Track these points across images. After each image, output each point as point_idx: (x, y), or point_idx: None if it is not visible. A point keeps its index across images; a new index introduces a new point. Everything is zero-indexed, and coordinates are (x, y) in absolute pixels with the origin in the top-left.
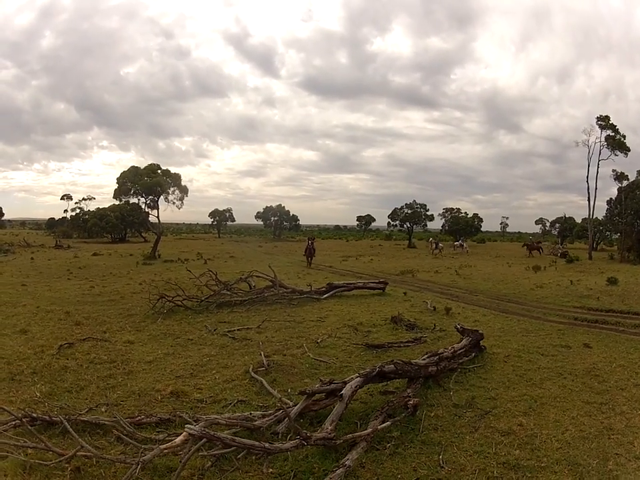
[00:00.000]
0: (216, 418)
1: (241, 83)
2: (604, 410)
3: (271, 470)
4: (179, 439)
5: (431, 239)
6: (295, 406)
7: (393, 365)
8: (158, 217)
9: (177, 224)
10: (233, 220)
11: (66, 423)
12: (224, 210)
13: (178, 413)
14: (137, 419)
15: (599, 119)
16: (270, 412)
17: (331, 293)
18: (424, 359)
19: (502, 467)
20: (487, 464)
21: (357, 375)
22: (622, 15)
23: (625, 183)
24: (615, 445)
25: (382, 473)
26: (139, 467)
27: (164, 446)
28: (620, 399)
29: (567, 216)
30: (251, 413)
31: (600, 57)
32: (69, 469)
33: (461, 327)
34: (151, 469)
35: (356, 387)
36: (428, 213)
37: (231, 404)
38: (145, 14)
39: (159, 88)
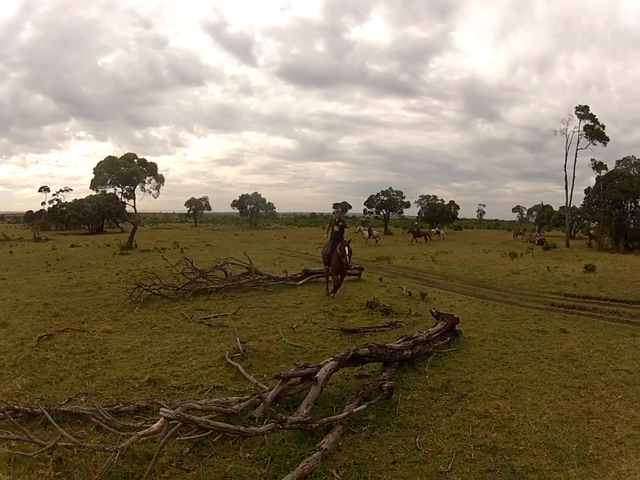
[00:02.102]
0: (192, 403)
1: (218, 72)
2: (582, 394)
3: (248, 455)
4: (155, 425)
5: (359, 227)
6: (271, 390)
7: (367, 349)
8: (134, 206)
9: (154, 214)
10: (210, 209)
11: (47, 414)
12: (200, 199)
13: (155, 400)
14: (116, 407)
15: (578, 108)
16: (246, 397)
17: (307, 279)
18: (399, 343)
19: (479, 449)
20: (464, 446)
21: (332, 358)
22: (606, 5)
23: (603, 172)
24: (595, 429)
25: (359, 456)
26: (117, 454)
27: (141, 432)
28: (599, 383)
29: (544, 204)
30: (227, 399)
31: (581, 48)
32: (51, 459)
33: (436, 312)
34: (130, 457)
35: (330, 370)
36: (404, 200)
37: (207, 390)
38: (124, 4)
39: (136, 78)
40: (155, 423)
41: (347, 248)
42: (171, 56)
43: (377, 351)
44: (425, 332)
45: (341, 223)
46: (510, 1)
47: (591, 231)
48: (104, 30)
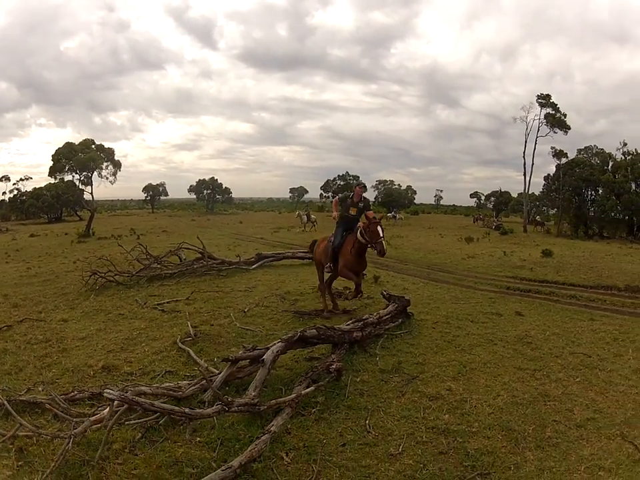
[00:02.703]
0: (143, 388)
1: (179, 56)
2: (538, 376)
3: (198, 439)
4: (106, 410)
5: (298, 211)
6: (220, 374)
7: (314, 330)
8: (92, 193)
9: (112, 200)
10: (167, 194)
11: (6, 404)
12: (157, 184)
13: (108, 386)
14: (71, 395)
15: (540, 97)
16: (196, 381)
17: (260, 263)
18: (348, 325)
19: (431, 431)
20: (415, 428)
21: (279, 340)
22: None
23: (563, 160)
24: (552, 412)
25: (308, 438)
26: (71, 440)
27: (93, 418)
28: (555, 366)
29: (502, 190)
30: (178, 383)
31: (548, 38)
32: (13, 449)
33: (387, 294)
34: (86, 444)
35: (277, 352)
36: None
37: (159, 375)
38: None
39: (98, 62)
40: (106, 408)
41: (380, 228)
42: (133, 40)
43: (325, 333)
44: (375, 314)
45: (361, 204)
46: None
47: (537, 217)
48: (68, 14)
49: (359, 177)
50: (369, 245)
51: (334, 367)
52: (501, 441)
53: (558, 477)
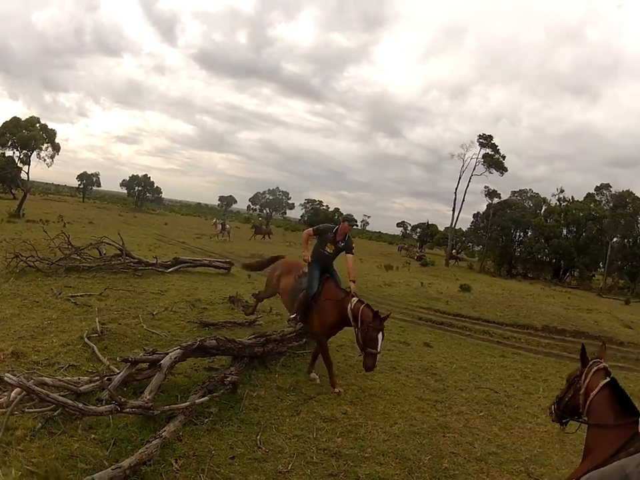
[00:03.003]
0: (45, 379)
1: (138, 46)
2: (439, 408)
3: (93, 436)
4: (12, 395)
5: (215, 219)
6: (119, 374)
7: (214, 341)
8: (28, 173)
9: (46, 184)
10: (99, 185)
11: None
12: (92, 174)
13: (15, 372)
14: None
15: (481, 137)
16: (96, 378)
17: (176, 267)
18: (250, 339)
19: (322, 452)
20: (307, 448)
21: (178, 346)
22: (540, 48)
23: (495, 200)
24: (452, 444)
25: (199, 447)
26: None
27: None
28: (459, 399)
29: (430, 223)
30: (79, 378)
31: (502, 82)
32: None
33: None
34: None
35: (175, 358)
36: (289, 202)
37: (63, 368)
38: None
39: (62, 39)
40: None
41: (381, 336)
42: (99, 22)
43: (225, 345)
44: (279, 331)
45: (342, 244)
46: (444, 27)
47: (453, 251)
48: None
49: (288, 193)
50: (357, 341)
51: (229, 379)
52: (394, 468)
53: None
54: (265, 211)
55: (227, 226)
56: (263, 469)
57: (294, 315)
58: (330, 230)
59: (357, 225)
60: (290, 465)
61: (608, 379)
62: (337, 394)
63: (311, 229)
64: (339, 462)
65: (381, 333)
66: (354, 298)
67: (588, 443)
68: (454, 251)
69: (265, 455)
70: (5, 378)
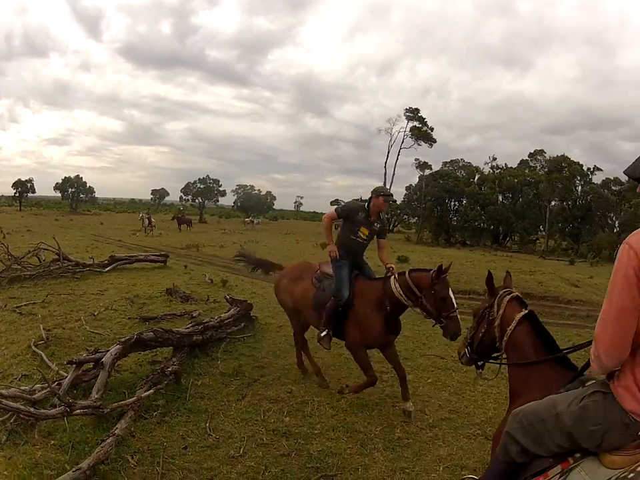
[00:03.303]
0: (1, 391)
1: (64, 45)
2: (385, 378)
3: (52, 442)
4: None
5: (141, 214)
6: (67, 377)
7: (152, 333)
8: None
9: None
10: (34, 191)
11: None
12: (26, 180)
13: None
14: None
15: (408, 110)
16: (47, 385)
17: (113, 265)
18: (187, 328)
19: (272, 433)
20: (256, 431)
21: (117, 342)
22: (468, 21)
23: (427, 172)
24: (402, 413)
25: (152, 441)
26: None
27: None
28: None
29: (362, 198)
30: (32, 386)
31: (430, 56)
32: None
33: (230, 298)
34: None
35: (116, 354)
36: (221, 189)
37: (16, 379)
38: None
39: None
40: None
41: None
42: (28, 24)
43: (163, 336)
44: (217, 317)
45: (378, 225)
46: (368, 4)
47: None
48: None
49: (219, 181)
50: (418, 310)
51: (170, 369)
52: (345, 442)
53: (413, 477)
54: (197, 201)
55: (153, 220)
56: (216, 456)
57: (324, 332)
58: (361, 209)
59: (395, 201)
60: (242, 449)
61: (525, 311)
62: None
63: (333, 210)
64: (289, 441)
65: (449, 287)
66: (392, 277)
67: (513, 384)
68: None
69: (216, 441)
70: None
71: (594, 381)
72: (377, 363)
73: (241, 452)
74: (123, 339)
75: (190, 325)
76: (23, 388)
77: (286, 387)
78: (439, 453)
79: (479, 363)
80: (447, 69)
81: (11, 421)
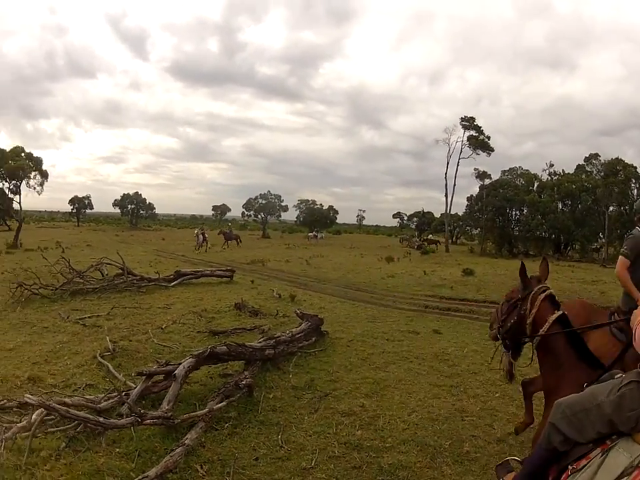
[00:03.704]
0: (65, 399)
1: (112, 65)
2: (455, 393)
3: (117, 450)
4: (33, 417)
5: (197, 229)
6: (136, 388)
7: (225, 347)
8: (20, 203)
9: (39, 211)
10: (92, 208)
11: None
12: (83, 197)
13: (29, 394)
14: (1, 403)
15: (463, 119)
16: (114, 394)
17: (179, 280)
18: (260, 342)
19: (343, 446)
20: (328, 443)
21: (190, 355)
22: (511, 25)
23: (487, 181)
24: (471, 427)
25: (222, 452)
26: (2, 444)
27: (20, 424)
28: (473, 382)
29: (425, 211)
30: (97, 396)
31: (477, 63)
32: None
33: (300, 312)
34: (17, 450)
35: (189, 367)
36: (282, 204)
37: (80, 388)
38: None
39: (35, 66)
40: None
41: None
42: (70, 45)
43: (236, 350)
44: (288, 332)
45: None
46: (411, 14)
47: (430, 236)
48: (10, 13)
49: (280, 196)
50: None
51: (244, 382)
52: (416, 455)
53: None
54: (259, 216)
55: (206, 235)
56: (287, 467)
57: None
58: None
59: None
60: (313, 461)
61: (559, 313)
62: None
63: (622, 254)
64: (360, 454)
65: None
66: None
67: (547, 383)
68: (430, 235)
69: (287, 453)
70: (26, 398)
71: (621, 374)
72: (447, 377)
73: (313, 464)
74: (196, 352)
75: (262, 339)
76: (87, 397)
77: (358, 401)
78: None
79: (507, 344)
80: (496, 75)
81: (77, 430)
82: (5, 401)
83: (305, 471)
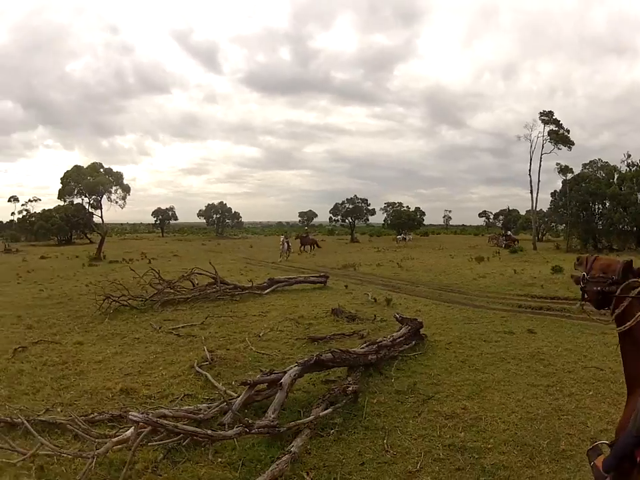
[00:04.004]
0: (163, 411)
1: (184, 79)
2: (551, 392)
3: (220, 459)
4: (129, 432)
5: (282, 237)
6: (239, 397)
7: (330, 354)
8: (101, 217)
9: (121, 224)
10: (176, 218)
11: (27, 423)
12: (167, 208)
13: (128, 408)
14: (91, 416)
15: (542, 114)
16: (215, 404)
17: (272, 288)
18: (362, 348)
19: (447, 449)
20: (432, 446)
21: (296, 363)
22: (573, 13)
23: (569, 175)
24: (566, 426)
25: (328, 458)
26: (94, 460)
27: (115, 439)
28: (568, 381)
29: (510, 208)
30: (197, 406)
31: (547, 54)
32: (34, 467)
33: (400, 316)
34: (107, 464)
35: (295, 375)
36: (369, 208)
37: (178, 398)
38: (93, 9)
39: (104, 84)
40: (128, 430)
41: None
42: (138, 62)
43: (341, 356)
44: (389, 336)
45: None
46: (476, 9)
47: (509, 233)
48: (72, 35)
49: (367, 200)
50: None
51: (350, 389)
52: (516, 455)
53: None
54: (347, 220)
55: (290, 244)
56: (394, 471)
57: None
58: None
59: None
60: (419, 464)
61: None
62: None
63: None
64: (464, 456)
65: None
66: None
67: (629, 372)
68: (508, 232)
69: (393, 457)
70: (130, 416)
71: None
72: (543, 377)
73: (418, 467)
74: (301, 360)
75: (364, 344)
76: (185, 407)
77: (460, 403)
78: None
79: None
80: (566, 65)
81: (184, 442)
82: (95, 414)
83: (411, 474)
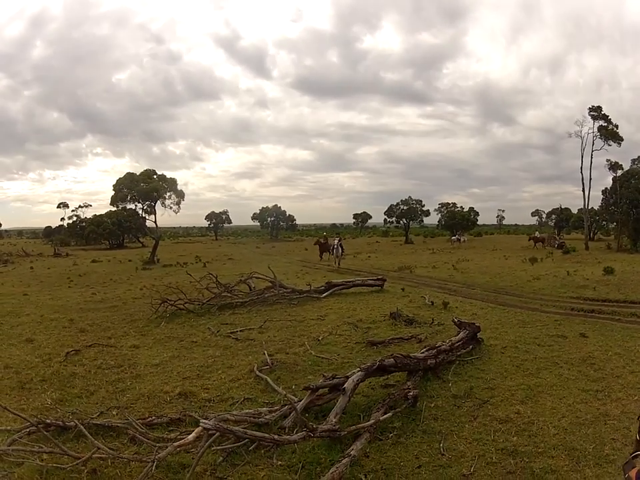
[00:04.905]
0: (226, 415)
1: (234, 85)
2: (600, 397)
3: (280, 462)
4: (191, 436)
5: (336, 239)
6: (300, 401)
7: (392, 359)
8: (155, 221)
9: (174, 228)
10: (230, 222)
11: (81, 426)
12: (220, 212)
13: (187, 412)
14: (148, 419)
15: (591, 109)
16: (276, 408)
17: (330, 291)
18: (422, 353)
19: (500, 452)
20: (486, 450)
21: (359, 369)
22: (612, 4)
23: (619, 172)
24: (611, 431)
25: (385, 461)
26: (154, 464)
27: (177, 443)
28: (616, 386)
29: (562, 207)
30: (258, 410)
31: (591, 47)
32: (86, 471)
33: (458, 321)
34: (165, 467)
35: (358, 380)
36: (424, 209)
37: (237, 402)
38: (135, 20)
39: (152, 93)
40: (189, 434)
41: None
42: (185, 71)
43: (402, 361)
44: (448, 341)
45: None
46: (517, 3)
47: (556, 233)
48: (116, 46)
49: (421, 201)
50: None
51: (411, 394)
52: (563, 460)
53: None
54: (401, 222)
55: (343, 247)
56: (448, 474)
57: None
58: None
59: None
60: (472, 468)
61: None
62: None
63: None
64: (515, 460)
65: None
66: None
67: None
68: (546, 232)
69: (448, 460)
70: (201, 424)
71: None
72: (593, 381)
73: (472, 470)
74: (364, 366)
75: (424, 349)
76: (246, 411)
77: (514, 408)
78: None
79: None
80: (610, 58)
81: (250, 447)
82: (153, 417)
83: (464, 477)
